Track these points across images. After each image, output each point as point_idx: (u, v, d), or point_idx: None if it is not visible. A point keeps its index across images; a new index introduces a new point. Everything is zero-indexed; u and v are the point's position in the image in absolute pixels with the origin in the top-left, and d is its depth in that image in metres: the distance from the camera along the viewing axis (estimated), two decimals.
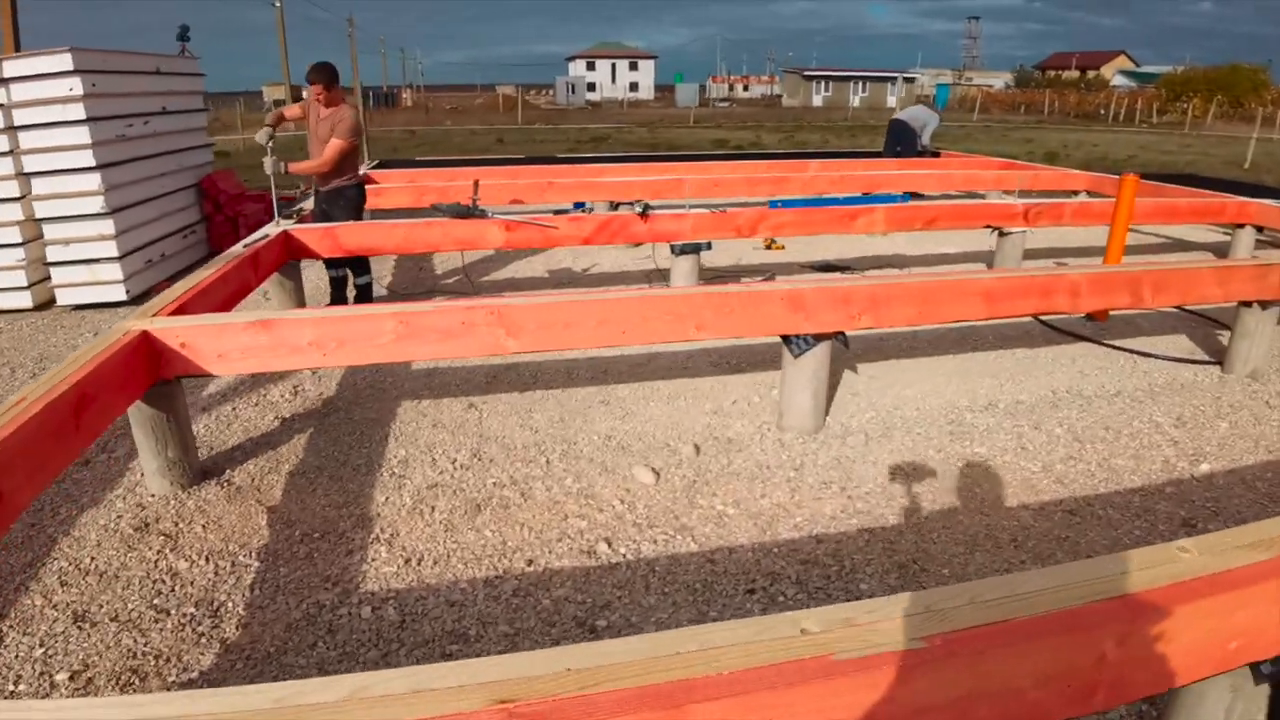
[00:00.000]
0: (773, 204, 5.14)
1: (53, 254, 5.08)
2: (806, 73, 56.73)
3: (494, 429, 3.24)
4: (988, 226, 5.44)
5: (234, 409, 3.43)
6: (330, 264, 4.73)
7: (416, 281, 5.75)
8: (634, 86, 65.60)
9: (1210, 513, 2.64)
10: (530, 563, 2.34)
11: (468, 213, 4.55)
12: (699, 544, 2.43)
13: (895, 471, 2.89)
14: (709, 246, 4.92)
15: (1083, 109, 39.20)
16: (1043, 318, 4.62)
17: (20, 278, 5.07)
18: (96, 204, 5.05)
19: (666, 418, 3.36)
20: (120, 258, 5.15)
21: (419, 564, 2.34)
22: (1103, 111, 36.24)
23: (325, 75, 4.29)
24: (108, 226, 5.12)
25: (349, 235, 4.41)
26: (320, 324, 2.66)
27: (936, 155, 9.95)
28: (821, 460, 2.96)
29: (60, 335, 4.59)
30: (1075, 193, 8.12)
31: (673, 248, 4.83)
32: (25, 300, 5.09)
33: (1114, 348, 4.28)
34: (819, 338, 3.01)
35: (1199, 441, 3.15)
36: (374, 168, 8.33)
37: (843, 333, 3.07)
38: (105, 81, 5.16)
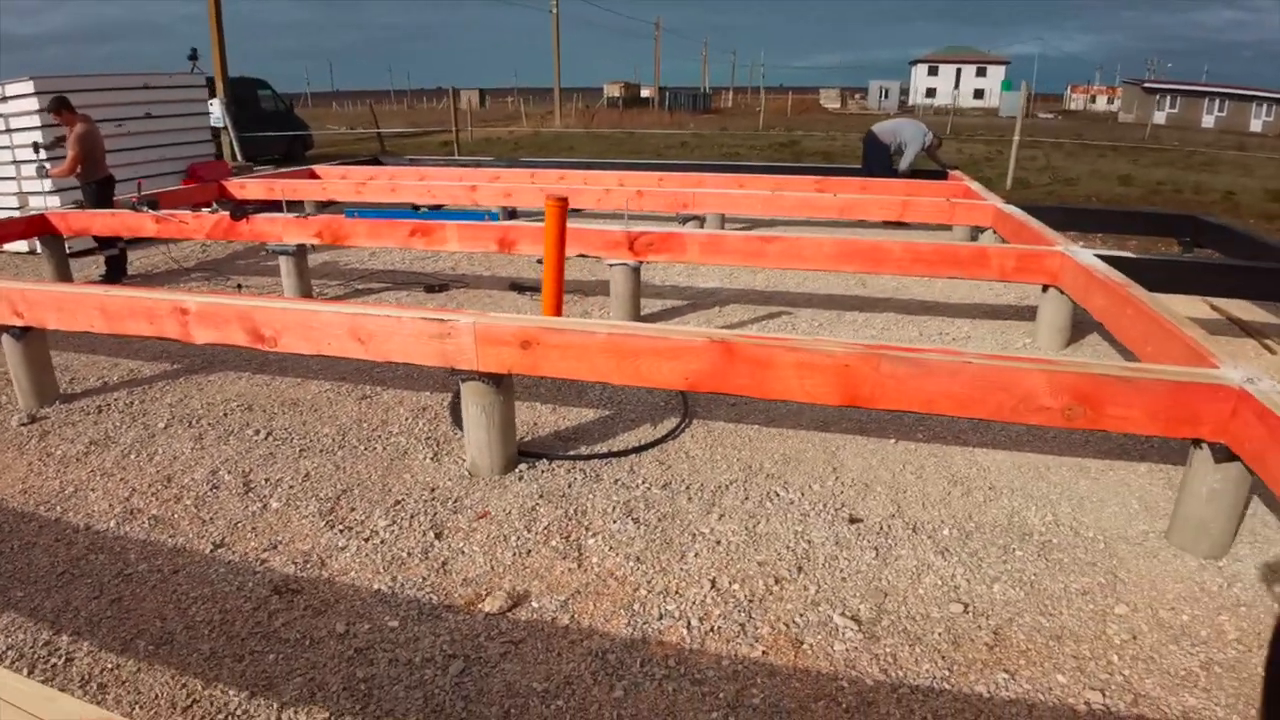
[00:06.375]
0: (349, 213, 5.24)
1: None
2: (1147, 85, 44.91)
3: None
4: (581, 255, 4.74)
5: None
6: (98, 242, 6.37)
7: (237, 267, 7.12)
8: (979, 93, 58.89)
9: None
10: None
11: (134, 208, 5.74)
12: None
13: None
14: (311, 248, 5.35)
15: None
16: None
17: None
18: (48, 184, 7.42)
19: None
20: None
21: None
22: None
23: (53, 105, 5.91)
24: (55, 200, 7.48)
25: (74, 220, 5.97)
26: None
27: (942, 176, 8.13)
28: None
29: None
30: (981, 229, 6.17)
31: (269, 248, 5.38)
32: (23, 246, 7.73)
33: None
34: None
35: None
36: (365, 162, 9.89)
37: None
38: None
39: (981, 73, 62.17)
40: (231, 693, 2.03)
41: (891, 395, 2.52)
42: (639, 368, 2.73)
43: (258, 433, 3.49)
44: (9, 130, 7.51)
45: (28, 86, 7.27)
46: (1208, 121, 41.31)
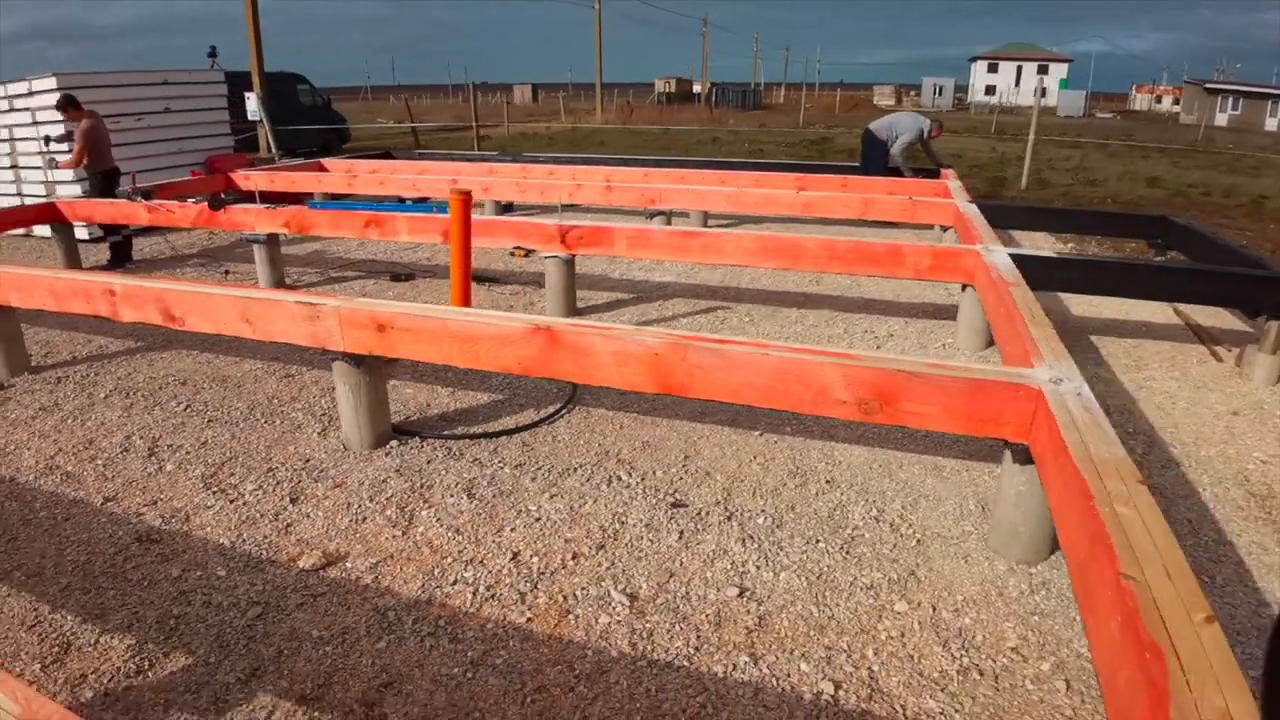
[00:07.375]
0: (312, 205, 5.56)
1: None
2: (1209, 85, 42.34)
3: None
4: (518, 248, 4.95)
5: None
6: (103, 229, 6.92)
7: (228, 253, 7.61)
8: (1041, 92, 56.94)
9: None
10: None
11: (130, 197, 6.22)
12: None
13: None
14: (283, 238, 5.72)
15: None
16: None
17: None
18: (69, 174, 8.05)
19: None
20: None
21: None
22: None
23: (61, 102, 6.45)
24: (75, 190, 8.10)
25: (80, 208, 6.50)
26: None
27: (935, 175, 8.00)
28: None
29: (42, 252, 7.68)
30: (945, 228, 6.14)
31: (244, 237, 5.77)
32: (49, 231, 8.40)
33: None
34: None
35: None
36: (377, 156, 10.32)
37: None
38: (86, 94, 8.05)
39: (1043, 70, 60.12)
40: (69, 618, 2.33)
41: (700, 384, 2.64)
42: (478, 353, 2.92)
43: (180, 405, 3.83)
44: (35, 123, 8.18)
45: (50, 82, 7.89)
46: (1270, 124, 38.89)
